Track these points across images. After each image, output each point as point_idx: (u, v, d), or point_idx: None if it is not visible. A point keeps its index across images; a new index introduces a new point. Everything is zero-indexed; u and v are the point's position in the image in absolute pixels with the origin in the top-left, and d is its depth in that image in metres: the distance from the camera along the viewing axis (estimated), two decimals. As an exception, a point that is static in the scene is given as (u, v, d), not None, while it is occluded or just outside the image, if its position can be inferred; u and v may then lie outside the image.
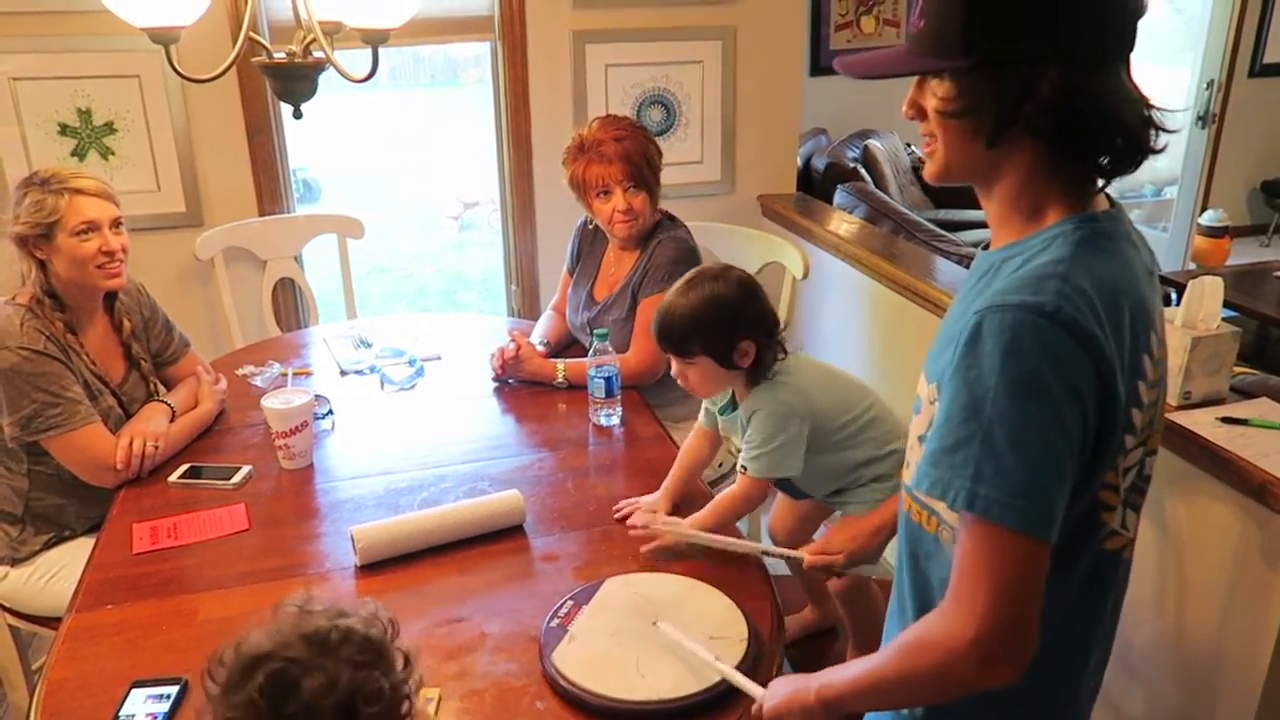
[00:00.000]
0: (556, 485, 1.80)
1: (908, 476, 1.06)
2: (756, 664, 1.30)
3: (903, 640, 0.97)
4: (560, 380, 2.17)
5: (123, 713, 1.25)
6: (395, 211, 8.06)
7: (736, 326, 1.54)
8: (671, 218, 2.30)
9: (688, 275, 1.61)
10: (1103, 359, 0.88)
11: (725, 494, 1.63)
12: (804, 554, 1.51)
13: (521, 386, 2.21)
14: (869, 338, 2.82)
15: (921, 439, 0.99)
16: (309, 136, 7.82)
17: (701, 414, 1.76)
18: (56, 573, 1.87)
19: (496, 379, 2.24)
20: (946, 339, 0.97)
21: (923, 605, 1.05)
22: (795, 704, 1.08)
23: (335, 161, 9.15)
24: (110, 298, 1.96)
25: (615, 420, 2.03)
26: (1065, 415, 0.87)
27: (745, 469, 1.59)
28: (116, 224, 1.84)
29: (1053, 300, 0.87)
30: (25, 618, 1.93)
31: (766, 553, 1.56)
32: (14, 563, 1.89)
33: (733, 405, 1.66)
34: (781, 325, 1.65)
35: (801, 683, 1.09)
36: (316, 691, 0.81)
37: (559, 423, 2.06)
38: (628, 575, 1.49)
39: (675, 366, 1.63)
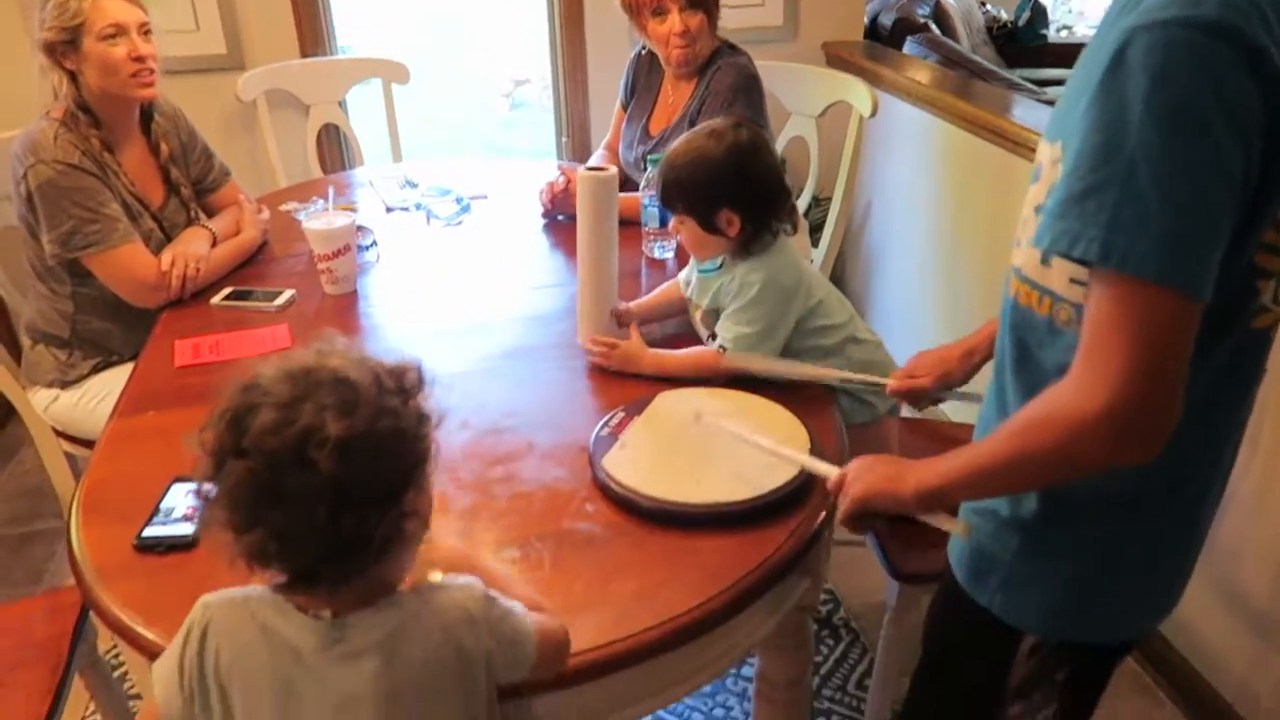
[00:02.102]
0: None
1: (1016, 256, 0.95)
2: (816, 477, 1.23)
3: (1019, 419, 0.86)
4: (612, 212, 2.06)
5: (163, 505, 1.22)
6: (442, 90, 7.88)
7: (720, 194, 1.41)
8: (731, 46, 2.14)
9: (702, 125, 1.48)
10: (1274, 82, 0.74)
11: (701, 357, 1.48)
12: (890, 379, 1.40)
13: (572, 223, 2.10)
14: (941, 184, 2.66)
15: (1039, 210, 0.86)
16: (352, 12, 7.59)
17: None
18: (104, 397, 1.86)
19: (546, 215, 2.15)
20: (1078, 89, 0.82)
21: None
22: (886, 494, 1.00)
23: (380, 41, 8.93)
24: (146, 119, 1.89)
25: (669, 253, 1.93)
26: (1224, 151, 0.74)
27: (724, 349, 1.45)
28: (145, 30, 1.75)
29: (1214, 10, 0.73)
30: (77, 442, 1.93)
31: (846, 380, 1.46)
32: (64, 386, 1.89)
33: (719, 267, 1.53)
34: (790, 197, 1.50)
35: (893, 469, 1.01)
36: (265, 427, 0.75)
37: (610, 256, 1.97)
38: (681, 390, 1.42)
39: (671, 220, 1.52)
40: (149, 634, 1.03)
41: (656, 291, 1.66)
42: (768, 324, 1.43)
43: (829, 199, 2.60)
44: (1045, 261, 0.88)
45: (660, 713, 1.82)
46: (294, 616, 0.82)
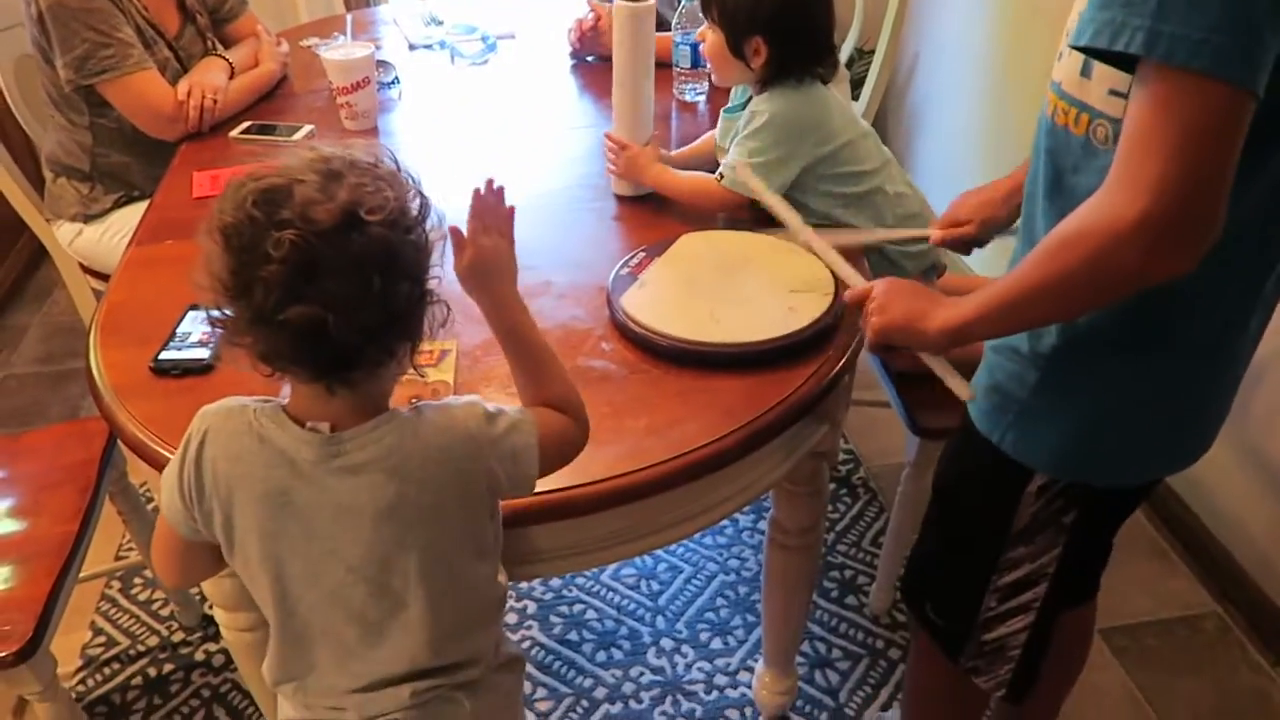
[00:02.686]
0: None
1: (1057, 72, 0.88)
2: (839, 322, 1.19)
3: (1048, 241, 0.81)
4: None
5: (179, 330, 1.22)
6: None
7: (758, 17, 1.32)
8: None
9: None
10: None
11: (700, 181, 1.43)
12: (933, 230, 1.34)
13: (601, 64, 2.03)
14: (996, 33, 2.51)
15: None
16: None
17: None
18: (127, 232, 1.84)
19: (574, 55, 2.06)
20: None
21: None
22: (909, 331, 0.96)
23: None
24: (160, -59, 1.81)
25: (701, 96, 1.85)
26: None
27: (722, 177, 1.39)
28: None
29: None
30: (102, 277, 1.93)
31: (889, 241, 1.41)
32: (86, 220, 1.88)
33: (743, 107, 1.45)
34: (834, 53, 1.41)
35: (918, 306, 0.96)
36: (311, 197, 0.72)
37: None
38: (706, 231, 1.38)
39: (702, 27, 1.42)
40: (165, 451, 1.04)
41: (694, 144, 1.59)
42: (773, 157, 1.36)
43: (873, 51, 2.46)
44: (1085, 73, 0.82)
45: (677, 562, 1.86)
46: (291, 428, 0.81)
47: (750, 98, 1.43)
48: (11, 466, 1.50)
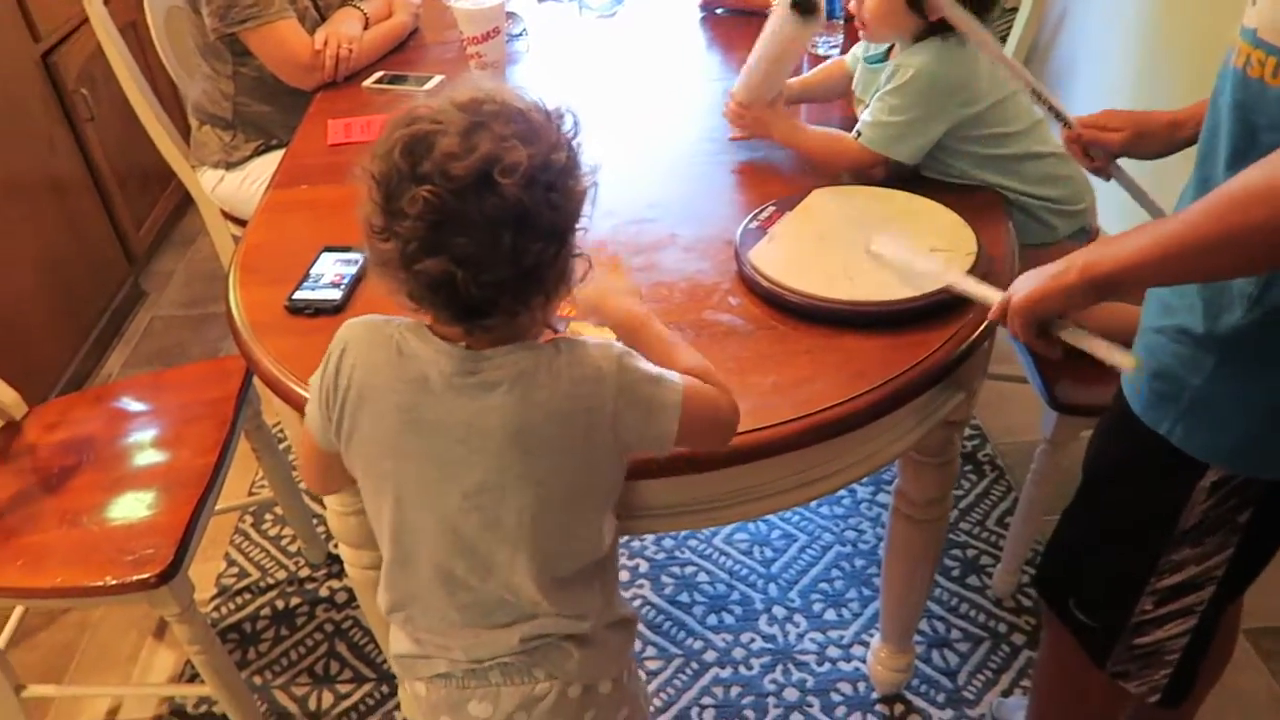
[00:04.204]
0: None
1: (1250, 17, 0.79)
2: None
3: (1230, 190, 0.73)
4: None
5: (313, 270, 1.25)
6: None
7: None
8: None
9: None
10: None
11: (833, 138, 1.37)
12: (1074, 120, 1.22)
13: (731, 16, 1.97)
14: (1149, 1, 2.33)
15: None
16: None
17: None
18: (265, 179, 1.87)
19: (703, 7, 2.01)
20: None
21: None
22: (1054, 287, 0.87)
23: None
24: (300, -108, 1.84)
25: (835, 49, 1.77)
26: None
27: (859, 134, 1.32)
28: None
29: None
30: (242, 224, 2.00)
31: (1040, 99, 1.28)
32: (228, 167, 1.94)
33: (885, 57, 1.37)
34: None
35: (1057, 265, 0.88)
36: (451, 150, 0.73)
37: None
38: (838, 187, 1.32)
39: None
40: (296, 387, 1.06)
41: (818, 69, 1.53)
42: (915, 116, 1.28)
43: (1014, 9, 2.33)
44: None
45: (791, 530, 1.82)
46: (433, 340, 0.83)
47: (890, 48, 1.35)
48: (156, 401, 1.58)
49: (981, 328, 1.08)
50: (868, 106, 1.34)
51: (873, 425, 1.03)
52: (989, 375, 1.94)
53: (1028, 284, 0.91)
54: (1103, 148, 1.20)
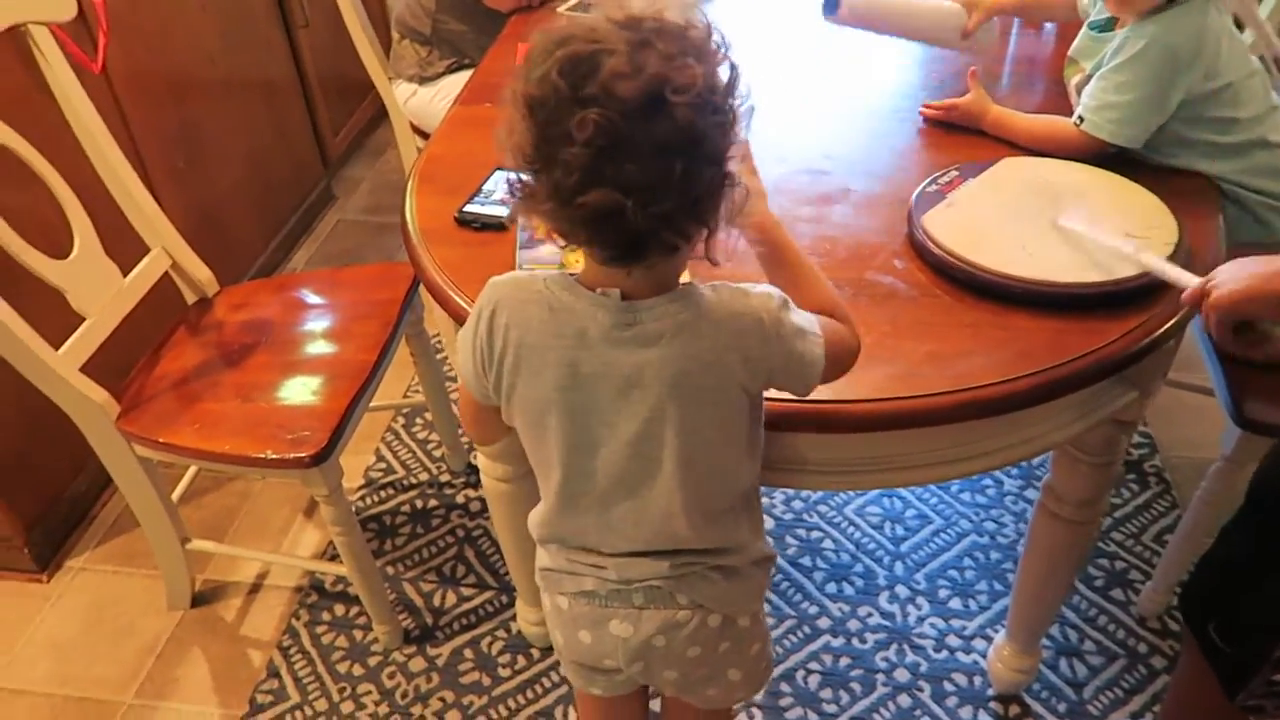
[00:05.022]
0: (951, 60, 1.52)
1: None
2: (1180, 278, 1.03)
3: None
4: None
5: (485, 186, 1.28)
6: None
7: None
8: None
9: None
10: None
11: (1051, 125, 1.26)
12: None
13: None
14: None
15: None
16: None
17: None
18: (455, 96, 1.95)
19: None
20: None
21: None
22: (1267, 290, 0.81)
23: None
24: None
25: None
26: None
27: (1081, 120, 1.21)
28: None
29: None
30: (428, 138, 2.08)
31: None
32: (422, 81, 2.01)
33: (1110, 25, 1.24)
34: None
35: (1272, 264, 0.81)
36: (619, 70, 0.68)
37: None
38: (1029, 158, 1.24)
39: None
40: (456, 296, 1.10)
41: None
42: (1144, 94, 1.17)
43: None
44: None
45: (927, 511, 1.76)
46: (585, 294, 0.80)
47: (1113, 19, 1.25)
48: (330, 295, 1.67)
49: (1168, 325, 1.00)
50: (1089, 83, 1.24)
51: (1030, 411, 0.97)
52: (1169, 381, 1.81)
53: (1234, 276, 0.84)
54: None
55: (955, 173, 1.21)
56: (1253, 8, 1.13)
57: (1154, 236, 1.07)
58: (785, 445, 1.00)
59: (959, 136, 1.34)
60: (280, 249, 2.55)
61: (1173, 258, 1.03)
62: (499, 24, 1.83)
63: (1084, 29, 1.32)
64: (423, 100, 2.02)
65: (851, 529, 1.74)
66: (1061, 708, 1.45)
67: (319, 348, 1.54)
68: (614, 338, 0.80)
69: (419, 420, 2.02)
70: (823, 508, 1.78)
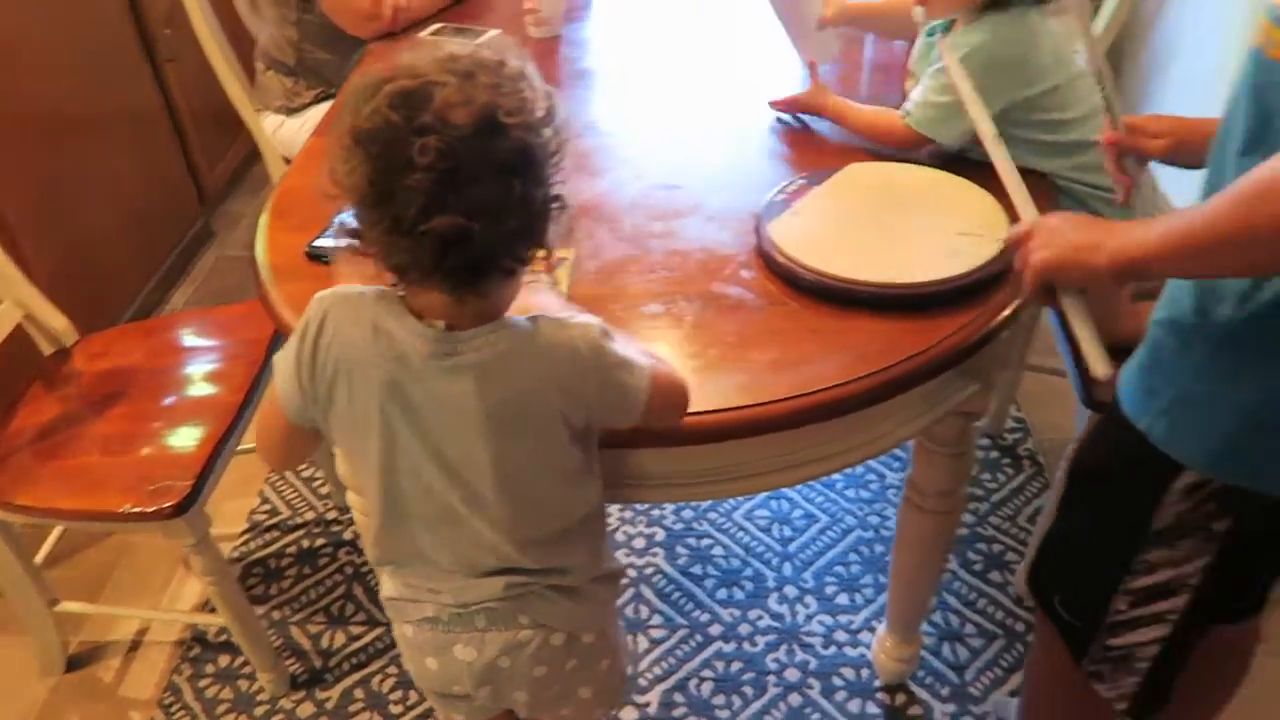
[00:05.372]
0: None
1: None
2: (1007, 272, 1.08)
3: (1252, 181, 0.69)
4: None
5: (338, 220, 1.25)
6: None
7: None
8: None
9: None
10: None
11: (881, 116, 1.32)
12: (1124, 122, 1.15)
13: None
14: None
15: None
16: None
17: None
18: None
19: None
20: None
21: None
22: (1076, 265, 0.85)
23: None
24: None
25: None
26: None
27: (907, 114, 1.27)
28: None
29: None
30: (298, 169, 2.05)
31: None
32: (289, 112, 1.98)
33: (948, 29, 1.30)
34: None
35: (1088, 236, 0.84)
36: (451, 99, 0.70)
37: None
38: (873, 163, 1.28)
39: None
40: (306, 332, 1.08)
41: None
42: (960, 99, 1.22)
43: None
44: None
45: (814, 511, 1.80)
46: (408, 321, 0.81)
47: (953, 21, 1.30)
48: (198, 337, 1.63)
49: (999, 318, 1.04)
50: (919, 84, 1.29)
51: (871, 410, 1.00)
52: (1034, 367, 1.89)
53: (1052, 243, 0.88)
54: (1139, 154, 1.13)
55: (802, 180, 1.24)
56: (1086, 23, 1.19)
57: (987, 233, 1.11)
58: (627, 461, 1.01)
59: (813, 146, 1.38)
60: (159, 289, 2.48)
61: (1002, 254, 1.08)
62: (363, 52, 1.81)
63: (919, 38, 1.37)
64: (291, 131, 1.99)
65: (741, 533, 1.76)
66: (945, 691, 1.50)
67: (184, 392, 1.50)
68: (433, 366, 0.80)
69: (306, 457, 1.98)
70: (712, 515, 1.80)
